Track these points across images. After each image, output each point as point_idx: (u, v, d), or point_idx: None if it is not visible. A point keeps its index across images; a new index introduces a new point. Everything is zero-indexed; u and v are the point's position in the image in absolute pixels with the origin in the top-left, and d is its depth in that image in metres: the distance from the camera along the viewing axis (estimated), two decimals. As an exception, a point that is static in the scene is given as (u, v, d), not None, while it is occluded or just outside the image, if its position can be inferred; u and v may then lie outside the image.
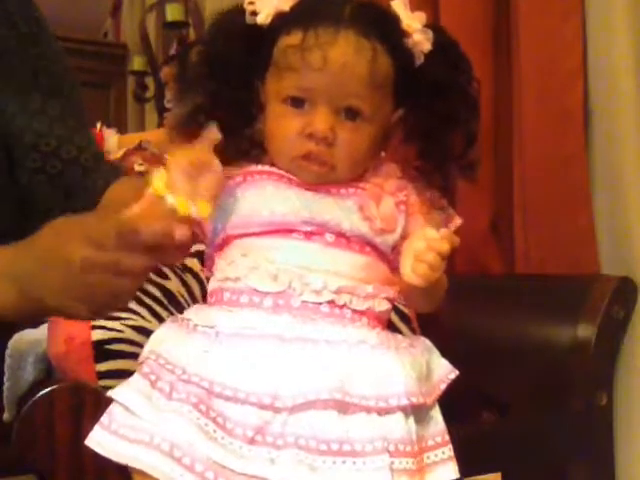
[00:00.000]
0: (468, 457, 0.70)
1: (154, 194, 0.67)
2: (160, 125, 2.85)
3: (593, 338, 1.08)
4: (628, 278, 1.12)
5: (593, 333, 1.08)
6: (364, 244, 0.73)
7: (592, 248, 1.18)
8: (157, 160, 2.05)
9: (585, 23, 1.18)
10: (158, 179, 0.68)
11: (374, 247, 0.73)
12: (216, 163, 0.70)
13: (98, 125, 2.21)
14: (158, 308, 1.16)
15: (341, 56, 0.70)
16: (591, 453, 1.11)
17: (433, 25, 0.75)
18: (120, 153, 2.08)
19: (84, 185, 1.04)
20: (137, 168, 2.04)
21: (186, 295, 1.20)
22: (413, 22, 0.74)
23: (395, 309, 1.25)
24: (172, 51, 3.01)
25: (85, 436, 0.68)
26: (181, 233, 0.67)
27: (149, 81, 3.31)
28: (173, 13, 2.81)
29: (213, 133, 0.72)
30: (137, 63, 3.36)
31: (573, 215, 1.20)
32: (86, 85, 3.53)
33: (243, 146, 0.77)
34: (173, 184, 0.67)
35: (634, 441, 1.10)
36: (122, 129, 2.91)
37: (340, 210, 0.73)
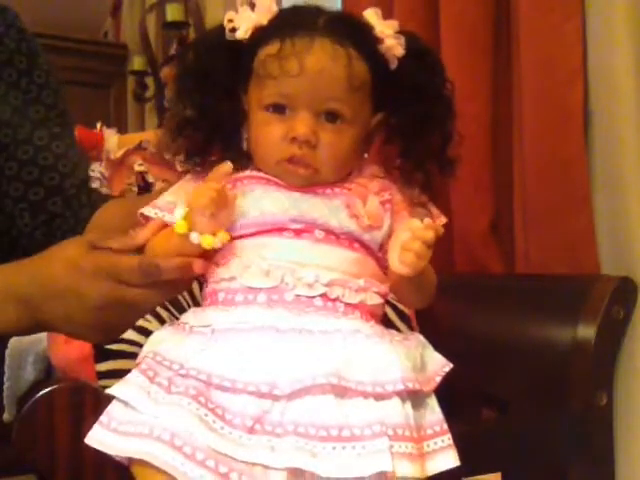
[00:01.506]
0: (468, 456, 0.70)
1: (177, 233, 0.72)
2: (160, 125, 2.85)
3: (593, 338, 1.08)
4: (628, 278, 1.12)
5: (593, 333, 1.08)
6: (353, 241, 0.76)
7: (592, 248, 1.18)
8: (157, 160, 2.05)
9: (585, 23, 1.18)
10: (180, 217, 0.72)
11: (362, 244, 0.76)
12: (232, 195, 0.74)
13: (98, 125, 2.21)
14: (158, 308, 1.16)
15: (317, 62, 0.73)
16: (591, 453, 1.11)
17: (406, 31, 0.79)
18: (120, 153, 2.09)
19: (67, 214, 1.03)
20: (137, 168, 2.04)
21: (187, 295, 1.20)
22: (385, 29, 0.78)
23: (394, 308, 1.25)
24: (172, 51, 3.01)
25: (85, 436, 0.69)
26: (199, 266, 0.72)
27: (149, 81, 3.31)
28: (173, 13, 2.81)
29: (226, 167, 0.76)
30: (137, 63, 3.36)
31: (573, 216, 1.20)
32: (86, 85, 3.54)
33: (229, 156, 0.79)
34: (196, 222, 0.71)
35: (634, 441, 1.10)
36: (122, 129, 2.92)
37: (328, 209, 0.75)
